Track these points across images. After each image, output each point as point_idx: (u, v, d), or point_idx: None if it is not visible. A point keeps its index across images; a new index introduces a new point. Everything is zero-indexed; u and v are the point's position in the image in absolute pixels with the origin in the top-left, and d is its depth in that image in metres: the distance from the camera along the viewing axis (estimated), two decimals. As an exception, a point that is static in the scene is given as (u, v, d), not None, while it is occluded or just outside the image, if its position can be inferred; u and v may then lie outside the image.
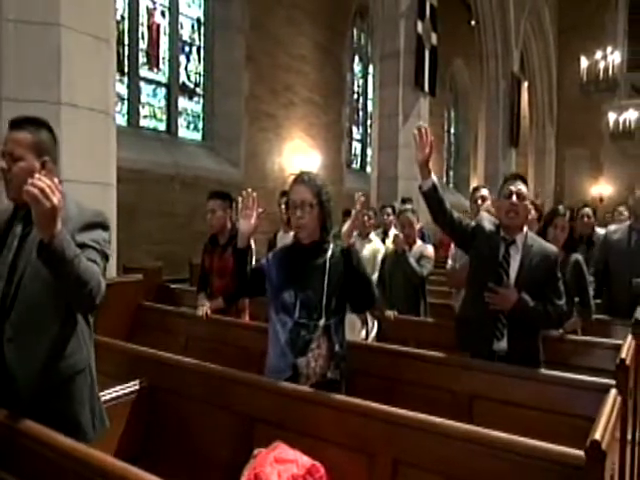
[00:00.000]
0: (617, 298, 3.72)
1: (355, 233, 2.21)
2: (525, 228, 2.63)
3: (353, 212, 2.16)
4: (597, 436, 1.33)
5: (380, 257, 4.30)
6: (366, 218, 4.17)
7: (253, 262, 2.61)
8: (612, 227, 4.21)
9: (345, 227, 2.14)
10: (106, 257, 1.75)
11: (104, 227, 1.77)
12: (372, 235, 4.55)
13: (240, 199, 2.26)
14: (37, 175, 1.44)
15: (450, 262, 3.61)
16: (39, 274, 1.58)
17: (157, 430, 2.29)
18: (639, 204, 3.89)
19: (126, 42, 7.38)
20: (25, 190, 1.40)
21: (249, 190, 2.24)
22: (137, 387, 2.30)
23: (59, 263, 1.49)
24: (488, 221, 2.72)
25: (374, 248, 4.35)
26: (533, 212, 5.13)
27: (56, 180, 1.47)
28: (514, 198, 2.53)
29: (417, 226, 4.01)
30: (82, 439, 1.65)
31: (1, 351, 1.68)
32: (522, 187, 2.58)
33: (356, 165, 12.88)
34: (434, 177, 2.56)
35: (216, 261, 3.67)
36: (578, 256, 3.45)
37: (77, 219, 1.70)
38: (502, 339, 2.53)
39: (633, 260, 3.73)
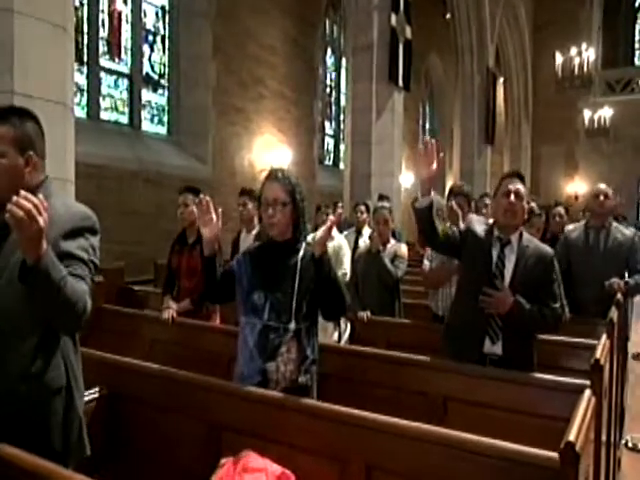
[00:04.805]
0: (580, 296, 3.72)
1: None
2: (521, 228, 2.57)
3: (326, 225, 2.05)
4: (571, 438, 1.32)
5: (342, 252, 4.25)
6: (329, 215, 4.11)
7: (222, 262, 2.54)
8: (570, 227, 4.25)
9: (318, 235, 2.06)
10: (95, 267, 1.62)
11: (93, 231, 1.63)
12: (334, 232, 4.41)
13: (195, 208, 2.17)
14: (23, 193, 1.31)
15: (426, 262, 3.54)
16: (15, 280, 1.43)
17: (118, 441, 2.20)
18: (594, 201, 3.86)
19: (85, 30, 7.17)
20: (8, 209, 1.30)
21: (201, 196, 2.18)
22: (96, 395, 2.19)
23: (44, 286, 1.39)
24: (478, 222, 2.66)
25: (335, 245, 4.26)
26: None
27: (41, 196, 1.36)
28: (512, 197, 2.46)
29: (392, 225, 3.95)
30: None
31: None
32: (520, 186, 2.50)
33: (329, 161, 12.69)
34: (434, 196, 2.46)
35: (185, 260, 3.58)
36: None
37: (63, 223, 1.55)
38: (497, 342, 2.46)
39: (592, 258, 3.75)
